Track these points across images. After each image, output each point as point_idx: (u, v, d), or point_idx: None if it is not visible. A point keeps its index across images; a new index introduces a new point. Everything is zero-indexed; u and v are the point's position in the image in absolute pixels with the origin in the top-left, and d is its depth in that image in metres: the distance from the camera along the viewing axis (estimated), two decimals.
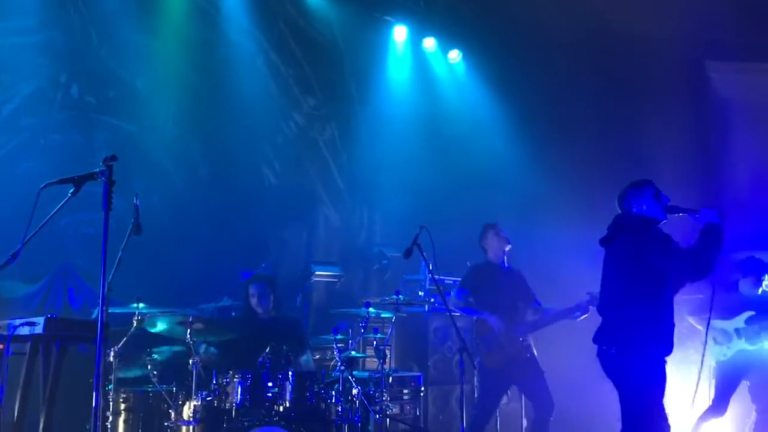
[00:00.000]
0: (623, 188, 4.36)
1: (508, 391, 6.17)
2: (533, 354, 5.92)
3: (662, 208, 4.17)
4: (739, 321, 5.72)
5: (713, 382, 5.91)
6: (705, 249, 3.90)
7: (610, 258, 4.21)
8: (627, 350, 3.96)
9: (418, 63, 8.92)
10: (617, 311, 4.08)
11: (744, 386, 5.85)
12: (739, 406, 6.16)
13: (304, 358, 5.60)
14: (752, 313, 5.74)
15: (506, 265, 6.04)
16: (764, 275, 5.77)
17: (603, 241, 4.26)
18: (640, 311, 3.95)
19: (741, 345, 5.70)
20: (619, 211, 4.33)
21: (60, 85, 6.28)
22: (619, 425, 3.99)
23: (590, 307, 5.85)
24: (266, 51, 7.73)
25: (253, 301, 5.57)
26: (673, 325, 4.07)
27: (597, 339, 4.14)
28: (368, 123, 8.51)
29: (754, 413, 6.21)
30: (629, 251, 4.05)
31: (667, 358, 4.04)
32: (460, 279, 6.29)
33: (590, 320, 6.03)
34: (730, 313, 5.85)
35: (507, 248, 6.01)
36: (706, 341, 4.88)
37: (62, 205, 3.40)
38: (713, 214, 3.99)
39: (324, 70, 8.22)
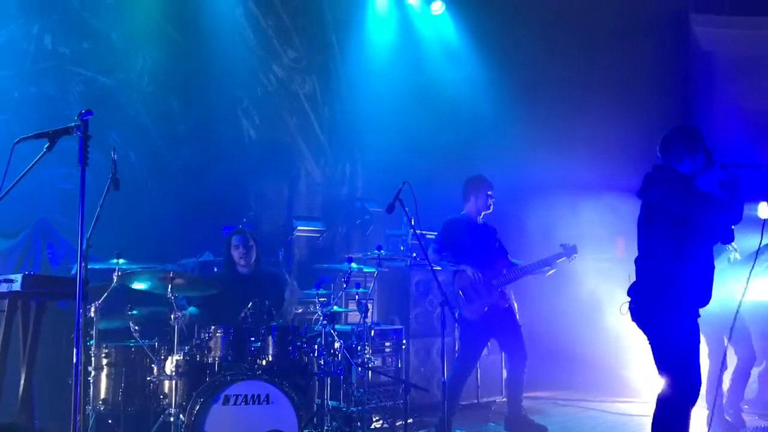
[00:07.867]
0: (669, 135, 4.02)
1: (488, 344, 6.23)
2: (512, 306, 5.98)
3: (708, 162, 3.92)
4: None
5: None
6: (732, 198, 3.79)
7: (642, 210, 4.04)
8: (658, 306, 3.89)
9: (400, 15, 8.78)
10: (649, 266, 3.96)
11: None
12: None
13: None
14: None
15: (480, 222, 6.07)
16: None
17: (638, 193, 4.09)
18: (672, 266, 3.84)
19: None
20: (659, 156, 4.06)
21: (33, 37, 6.11)
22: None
23: (558, 260, 5.92)
24: (245, 1, 7.56)
25: (237, 252, 5.47)
26: (711, 277, 3.92)
27: (630, 292, 4.05)
28: (349, 76, 8.40)
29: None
30: (660, 204, 3.92)
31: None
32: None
33: (564, 273, 6.09)
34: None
35: (488, 211, 6.04)
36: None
37: (38, 159, 3.34)
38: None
39: (304, 22, 8.07)
